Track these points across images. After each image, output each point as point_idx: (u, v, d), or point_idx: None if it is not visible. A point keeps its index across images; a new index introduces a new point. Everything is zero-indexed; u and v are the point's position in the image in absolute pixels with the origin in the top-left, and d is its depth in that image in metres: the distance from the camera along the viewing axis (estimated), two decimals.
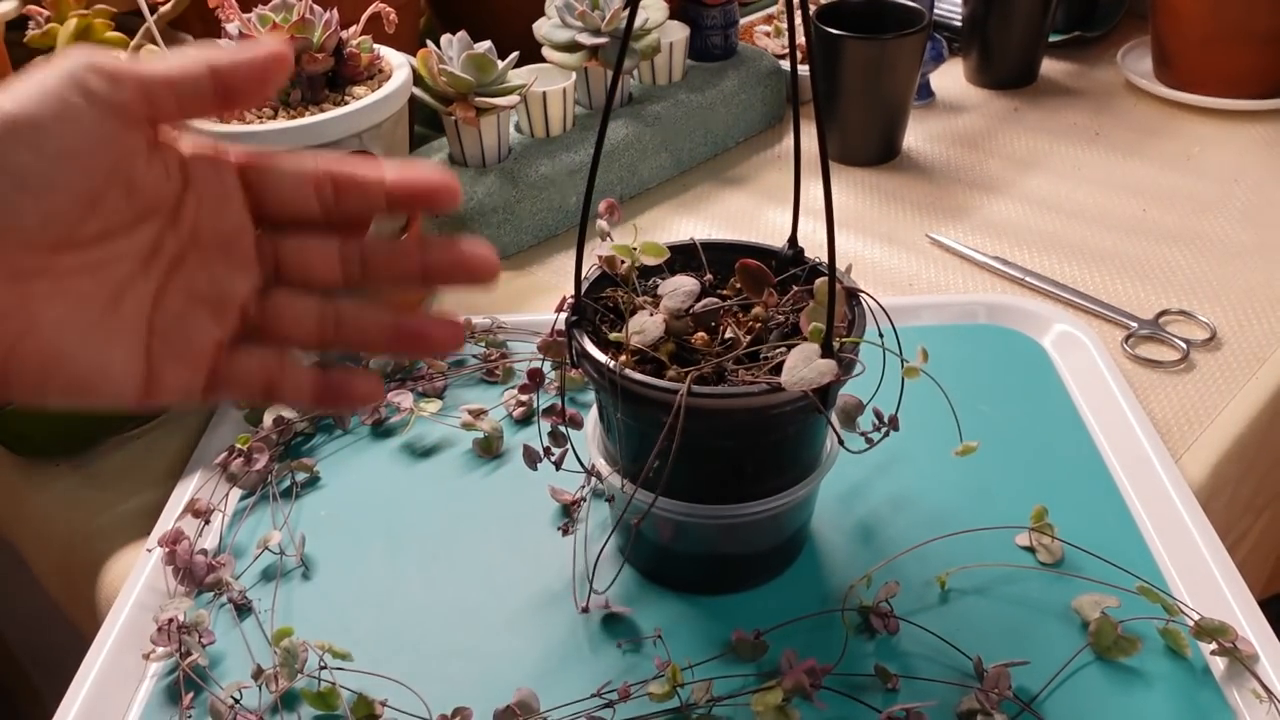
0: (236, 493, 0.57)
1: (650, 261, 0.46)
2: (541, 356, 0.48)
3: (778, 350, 0.43)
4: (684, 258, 0.49)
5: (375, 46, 0.69)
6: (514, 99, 0.74)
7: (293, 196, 0.33)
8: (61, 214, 0.29)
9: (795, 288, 0.47)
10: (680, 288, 0.44)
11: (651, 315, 0.44)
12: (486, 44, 0.73)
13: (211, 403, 0.32)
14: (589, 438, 0.49)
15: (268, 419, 0.60)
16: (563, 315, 0.46)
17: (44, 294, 0.29)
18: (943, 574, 0.49)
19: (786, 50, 1.02)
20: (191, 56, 0.31)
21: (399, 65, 0.69)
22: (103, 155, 0.29)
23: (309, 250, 0.34)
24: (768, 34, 1.06)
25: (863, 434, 0.44)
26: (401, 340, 0.34)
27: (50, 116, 0.28)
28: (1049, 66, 1.07)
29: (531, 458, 0.52)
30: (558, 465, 0.51)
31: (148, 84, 0.30)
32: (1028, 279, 0.73)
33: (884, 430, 0.45)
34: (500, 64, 0.73)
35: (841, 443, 0.45)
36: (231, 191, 0.33)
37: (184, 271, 0.32)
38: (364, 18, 0.68)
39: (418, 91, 0.74)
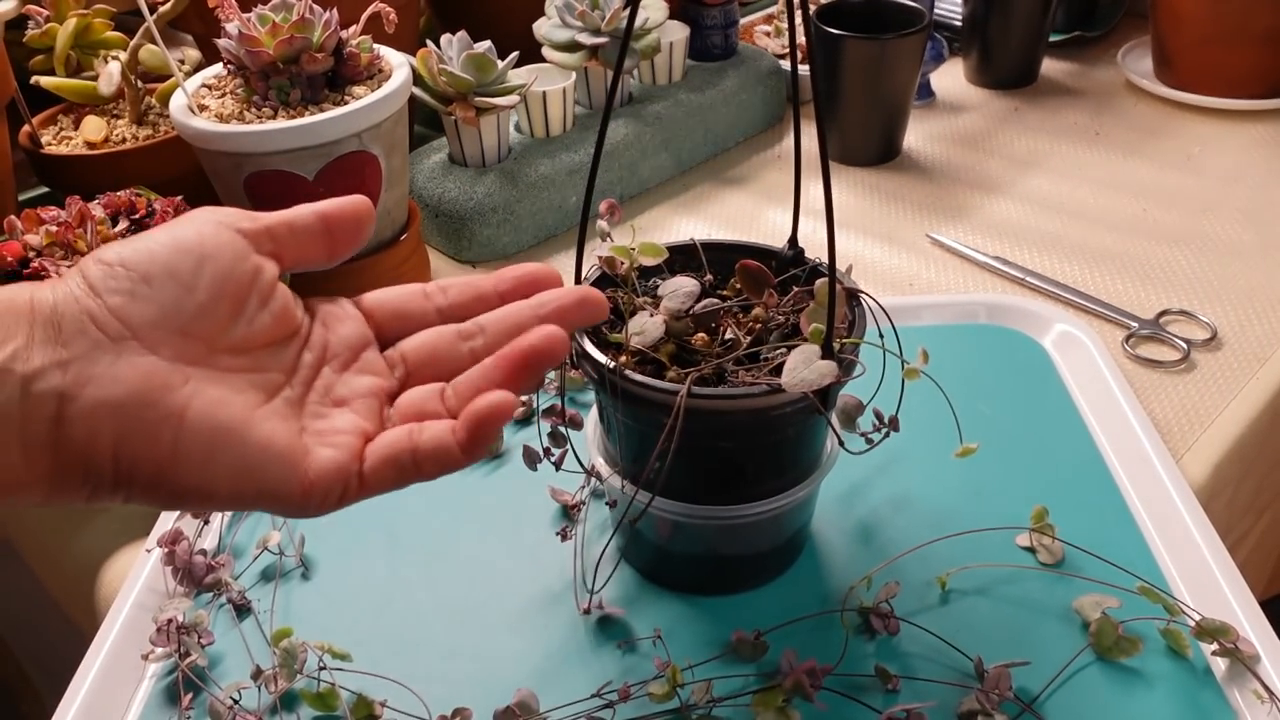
0: None
1: (649, 262, 0.46)
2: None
3: (778, 351, 0.43)
4: (684, 258, 0.49)
5: (375, 46, 0.69)
6: (514, 99, 0.74)
7: (416, 325, 0.37)
8: (212, 310, 0.32)
9: (795, 288, 0.47)
10: (680, 288, 0.44)
11: (651, 316, 0.44)
12: (486, 44, 0.73)
13: (370, 493, 0.34)
14: (589, 438, 0.49)
15: None
16: None
17: (205, 378, 0.32)
18: (943, 574, 0.49)
19: (786, 50, 1.02)
20: (303, 206, 0.36)
21: (399, 65, 0.69)
22: (241, 266, 0.33)
23: (438, 348, 0.36)
24: (768, 34, 1.06)
25: (863, 434, 0.44)
26: (516, 366, 0.34)
27: (197, 233, 0.33)
28: (1049, 66, 1.07)
29: (531, 458, 0.52)
30: (558, 466, 0.51)
31: (269, 223, 0.35)
32: (1028, 279, 0.73)
33: (884, 431, 0.45)
34: (500, 64, 0.73)
35: (842, 444, 0.45)
36: (353, 316, 0.37)
37: (321, 381, 0.35)
38: (364, 17, 0.68)
39: (417, 91, 0.74)
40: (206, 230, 0.33)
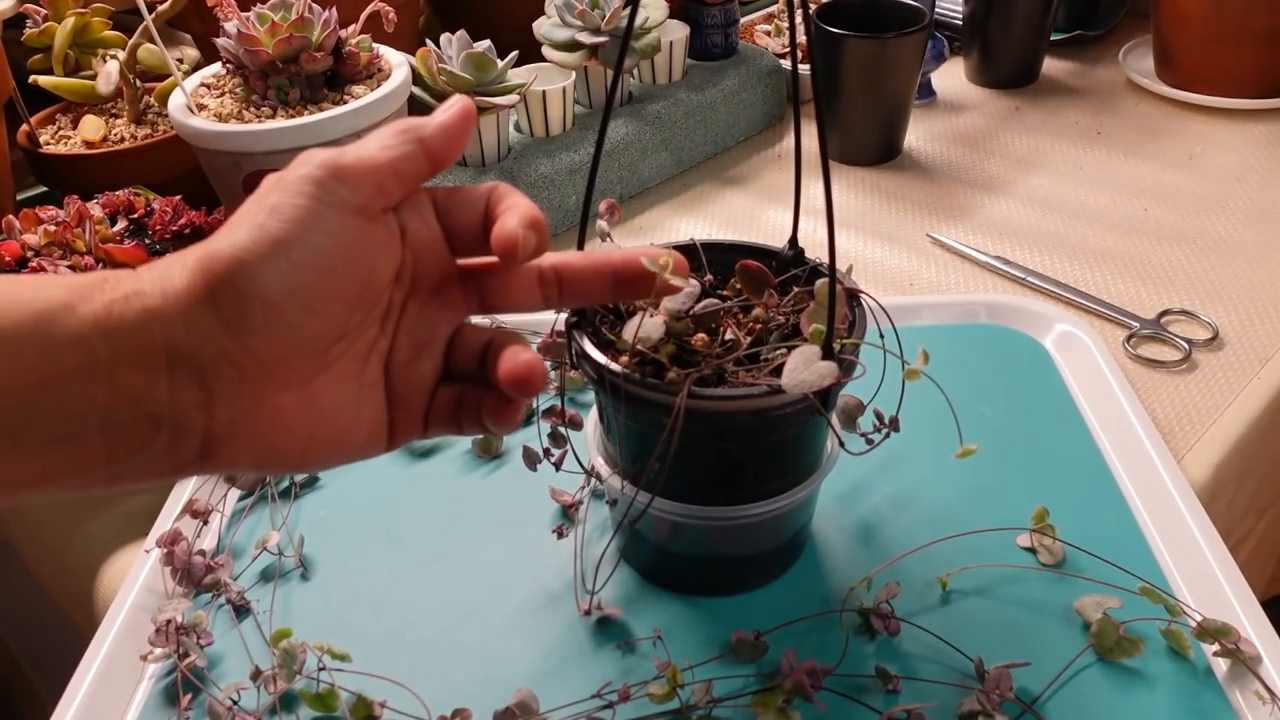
0: (235, 493, 0.57)
1: (678, 284, 0.44)
2: (541, 357, 0.48)
3: (778, 352, 0.43)
4: (684, 258, 0.49)
5: (374, 45, 0.69)
6: (513, 98, 0.74)
7: (471, 222, 0.35)
8: (341, 320, 0.32)
9: (796, 288, 0.47)
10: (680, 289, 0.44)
11: (652, 316, 0.44)
12: (486, 43, 0.73)
13: (423, 439, 0.38)
14: (589, 439, 0.49)
15: None
16: (563, 316, 0.45)
17: (324, 387, 0.33)
18: (944, 575, 0.49)
19: (787, 49, 1.02)
20: (400, 134, 0.33)
21: (398, 64, 0.69)
22: (362, 257, 0.32)
23: (511, 282, 0.37)
24: (768, 33, 1.06)
25: (863, 435, 0.44)
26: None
27: (314, 233, 0.31)
28: (1050, 65, 1.07)
29: (531, 459, 0.52)
30: (557, 466, 0.51)
31: (377, 177, 0.32)
32: (1029, 279, 0.73)
33: (884, 431, 0.44)
34: (500, 63, 0.73)
35: (842, 444, 0.45)
36: (436, 235, 0.35)
37: (406, 321, 0.35)
38: (363, 16, 0.68)
39: (417, 90, 0.74)
40: (334, 232, 0.31)
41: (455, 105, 0.34)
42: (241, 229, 0.30)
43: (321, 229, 0.31)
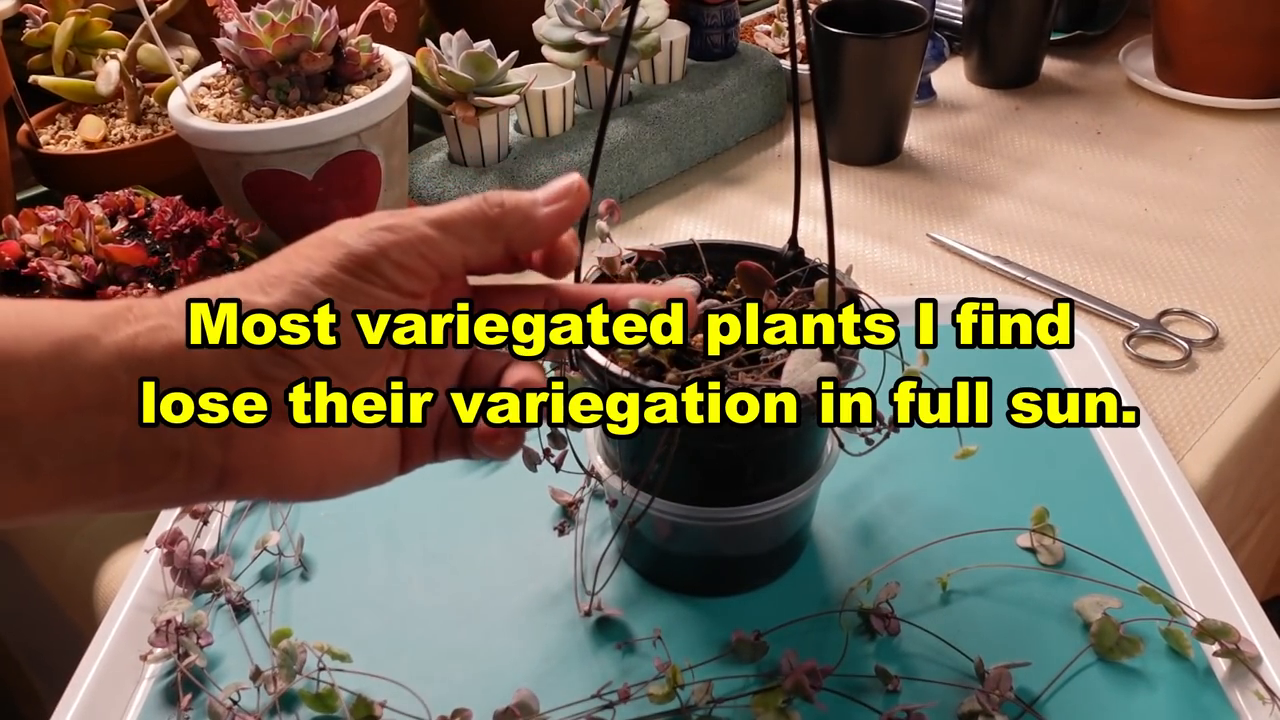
0: None
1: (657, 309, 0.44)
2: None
3: (778, 352, 0.43)
4: (684, 258, 0.49)
5: (374, 45, 0.69)
6: (513, 98, 0.74)
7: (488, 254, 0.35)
8: (366, 362, 0.33)
9: (795, 289, 0.47)
10: (680, 290, 0.44)
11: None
12: (486, 43, 0.73)
13: (435, 462, 0.38)
14: (589, 439, 0.49)
15: None
16: None
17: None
18: (944, 575, 0.49)
19: (787, 49, 1.02)
20: (487, 230, 0.33)
21: (398, 64, 0.69)
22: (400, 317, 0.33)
23: (520, 304, 0.38)
24: (768, 33, 1.06)
25: (863, 435, 0.44)
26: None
27: (356, 306, 0.31)
28: (1050, 65, 1.07)
29: (531, 459, 0.52)
30: (557, 467, 0.51)
31: (442, 268, 0.33)
32: (1029, 279, 0.73)
33: (884, 432, 0.44)
34: (500, 63, 0.73)
35: (842, 445, 0.45)
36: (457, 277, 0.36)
37: (419, 350, 0.35)
38: (363, 16, 0.68)
39: (417, 91, 0.74)
40: (380, 302, 0.32)
41: (563, 200, 0.35)
42: (285, 287, 0.31)
43: (364, 303, 0.32)
